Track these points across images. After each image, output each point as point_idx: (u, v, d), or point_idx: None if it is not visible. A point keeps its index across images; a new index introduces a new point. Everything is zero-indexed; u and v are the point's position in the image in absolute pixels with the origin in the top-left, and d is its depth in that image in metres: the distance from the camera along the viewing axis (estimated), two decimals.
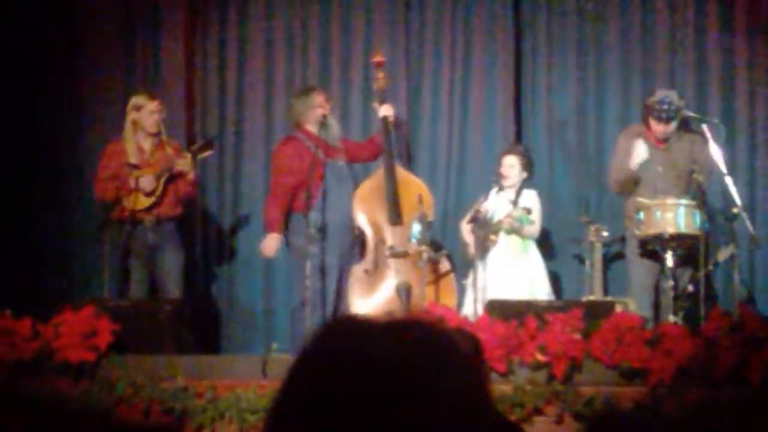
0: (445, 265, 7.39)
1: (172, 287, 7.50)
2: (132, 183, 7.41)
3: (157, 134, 7.59)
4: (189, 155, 7.50)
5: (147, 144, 7.59)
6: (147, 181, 7.42)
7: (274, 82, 8.72)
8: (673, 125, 7.25)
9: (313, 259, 7.04)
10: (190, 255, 8.12)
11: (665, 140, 7.31)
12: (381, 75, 7.74)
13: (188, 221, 8.15)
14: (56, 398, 6.02)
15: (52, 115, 8.60)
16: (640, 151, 7.18)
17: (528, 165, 7.62)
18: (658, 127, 7.24)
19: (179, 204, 7.63)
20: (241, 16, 8.82)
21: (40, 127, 8.53)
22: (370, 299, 7.28)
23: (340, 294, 7.36)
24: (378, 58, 7.81)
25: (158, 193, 7.46)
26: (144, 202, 7.46)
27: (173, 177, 7.49)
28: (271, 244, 7.39)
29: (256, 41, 8.78)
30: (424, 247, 7.11)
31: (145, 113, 7.54)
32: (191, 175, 7.52)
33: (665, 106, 7.17)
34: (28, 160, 8.47)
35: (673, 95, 7.29)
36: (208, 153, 7.69)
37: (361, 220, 7.46)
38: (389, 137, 7.60)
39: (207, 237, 8.64)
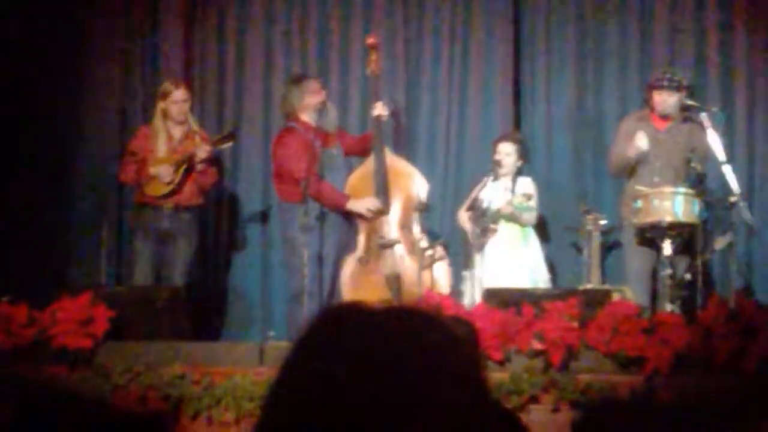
0: (439, 253, 7.37)
1: (178, 276, 7.49)
2: (152, 171, 7.43)
3: (184, 122, 7.57)
4: (208, 146, 7.49)
5: (176, 132, 7.59)
6: (165, 172, 7.42)
7: (272, 70, 8.70)
8: (674, 98, 7.26)
9: (309, 248, 7.00)
10: (202, 244, 8.13)
11: (666, 118, 7.32)
12: (374, 58, 7.55)
13: (205, 211, 8.17)
14: (52, 385, 6.01)
15: (52, 102, 8.58)
16: (640, 143, 7.18)
17: (524, 152, 7.62)
18: (659, 98, 7.27)
19: (200, 194, 7.64)
20: (240, 3, 8.80)
21: (40, 114, 8.51)
22: (363, 289, 7.25)
23: (334, 283, 7.34)
24: (371, 40, 7.66)
25: (176, 181, 7.46)
26: (162, 189, 7.47)
27: (194, 167, 7.48)
28: (366, 204, 7.29)
29: (254, 29, 8.76)
30: (420, 235, 7.09)
31: (170, 102, 7.53)
32: (200, 165, 7.49)
33: (667, 75, 7.33)
34: (27, 147, 8.45)
35: (677, 71, 7.51)
36: (228, 144, 7.67)
37: (352, 210, 7.41)
38: (380, 132, 7.52)
39: (205, 225, 8.62)
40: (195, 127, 7.67)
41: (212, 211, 8.60)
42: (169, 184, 7.47)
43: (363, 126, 8.21)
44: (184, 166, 7.47)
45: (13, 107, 8.37)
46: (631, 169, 7.32)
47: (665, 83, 7.26)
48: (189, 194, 7.55)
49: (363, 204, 7.29)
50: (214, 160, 7.75)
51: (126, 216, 8.23)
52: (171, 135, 7.58)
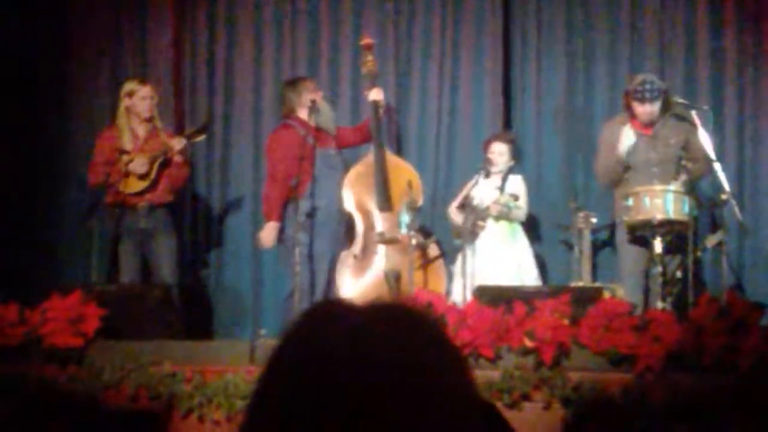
0: (434, 251, 7.39)
1: (166, 273, 7.48)
2: (123, 167, 7.39)
3: (150, 120, 7.57)
4: (182, 139, 7.49)
5: (141, 130, 7.58)
6: (140, 164, 7.40)
7: (262, 67, 8.71)
8: (657, 107, 7.23)
9: (302, 247, 7.01)
10: (182, 241, 8.10)
11: (651, 125, 7.30)
12: (370, 58, 7.65)
13: (180, 207, 8.14)
14: (43, 384, 6.01)
15: (42, 102, 8.58)
16: (626, 137, 7.18)
17: (515, 152, 7.68)
18: (642, 109, 7.22)
19: (173, 190, 7.62)
20: (230, 1, 8.80)
21: (30, 113, 8.51)
22: (359, 285, 7.27)
23: (331, 280, 7.35)
24: (366, 41, 7.72)
25: (152, 176, 7.44)
26: (137, 185, 7.44)
27: (167, 162, 7.47)
28: (271, 233, 7.31)
29: (244, 26, 8.75)
30: (413, 233, 7.10)
31: (137, 99, 7.54)
32: (178, 158, 7.50)
33: (647, 86, 7.20)
34: (17, 147, 8.44)
35: (653, 77, 7.36)
36: (201, 138, 7.68)
37: (350, 205, 7.44)
38: (379, 122, 7.57)
39: (196, 223, 8.63)
40: (159, 125, 7.65)
41: (202, 208, 8.60)
42: (143, 178, 7.43)
43: (354, 123, 8.20)
44: (160, 160, 7.45)
45: (4, 109, 8.36)
46: (620, 173, 7.28)
47: (647, 95, 7.19)
48: (162, 192, 7.54)
49: (266, 233, 7.31)
50: (187, 157, 7.75)
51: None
52: (136, 133, 7.57)
